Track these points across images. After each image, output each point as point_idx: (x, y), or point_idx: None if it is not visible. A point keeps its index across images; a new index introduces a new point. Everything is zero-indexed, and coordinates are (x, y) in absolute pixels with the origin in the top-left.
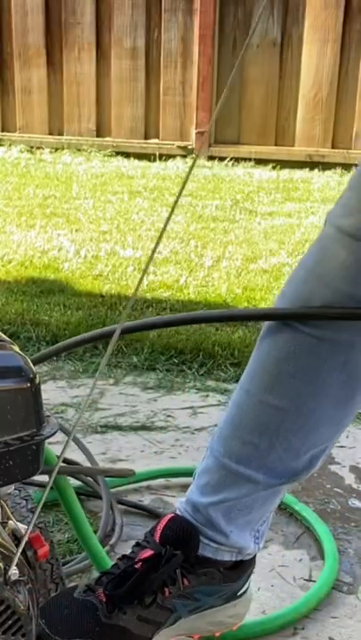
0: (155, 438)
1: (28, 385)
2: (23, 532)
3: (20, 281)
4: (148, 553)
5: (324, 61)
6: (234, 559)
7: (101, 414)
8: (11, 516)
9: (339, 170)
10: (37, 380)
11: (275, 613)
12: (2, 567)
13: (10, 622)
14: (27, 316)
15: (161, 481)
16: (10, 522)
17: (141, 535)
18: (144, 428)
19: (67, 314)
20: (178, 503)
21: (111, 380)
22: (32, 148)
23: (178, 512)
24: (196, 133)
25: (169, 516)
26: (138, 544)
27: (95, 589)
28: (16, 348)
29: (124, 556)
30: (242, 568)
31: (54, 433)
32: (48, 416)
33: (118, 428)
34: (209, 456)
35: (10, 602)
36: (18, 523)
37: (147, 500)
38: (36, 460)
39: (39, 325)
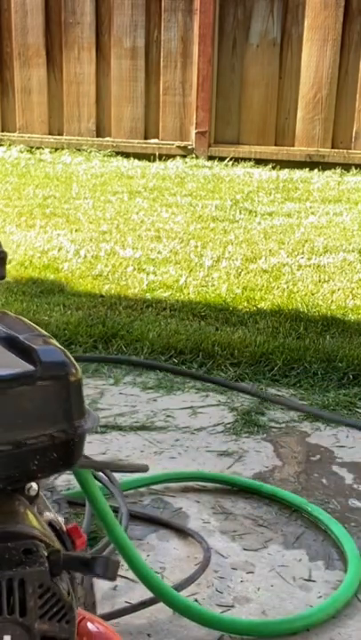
0: (155, 438)
1: (72, 378)
2: (60, 523)
3: (20, 281)
4: None
5: (323, 61)
6: None
7: (101, 414)
8: (49, 506)
9: (339, 170)
10: (79, 374)
11: (300, 614)
12: (48, 556)
13: (56, 609)
14: (26, 316)
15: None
16: (47, 513)
17: (141, 535)
18: (144, 427)
19: (67, 314)
20: None
21: (111, 380)
22: (32, 148)
23: None
24: (196, 133)
25: None
26: None
27: None
28: (55, 342)
29: None
30: None
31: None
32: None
33: (118, 427)
34: None
35: (56, 590)
36: (56, 514)
37: (147, 500)
38: (78, 453)
39: (39, 325)
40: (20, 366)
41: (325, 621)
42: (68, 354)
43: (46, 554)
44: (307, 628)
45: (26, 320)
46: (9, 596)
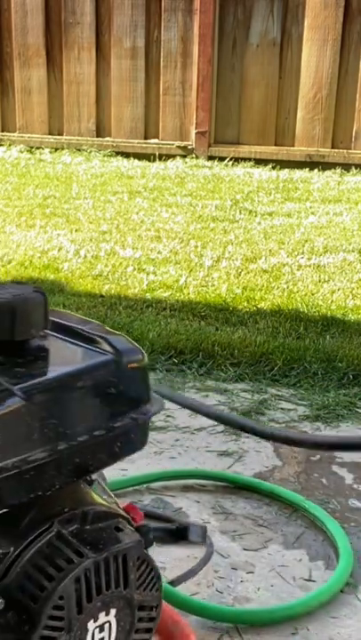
0: (155, 438)
1: (144, 362)
2: (117, 502)
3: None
4: None
5: (324, 61)
6: None
7: None
8: (105, 488)
9: (339, 170)
10: (146, 358)
11: (282, 605)
12: (138, 530)
13: (149, 579)
14: None
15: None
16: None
17: None
18: None
19: None
20: None
21: None
22: (32, 148)
23: None
24: (196, 133)
25: None
26: None
27: None
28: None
29: None
30: None
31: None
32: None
33: None
34: None
35: (149, 561)
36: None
37: (147, 500)
38: (147, 434)
39: None
40: (99, 355)
41: (309, 614)
42: (131, 340)
43: (132, 529)
44: (289, 618)
45: (73, 313)
46: (114, 570)
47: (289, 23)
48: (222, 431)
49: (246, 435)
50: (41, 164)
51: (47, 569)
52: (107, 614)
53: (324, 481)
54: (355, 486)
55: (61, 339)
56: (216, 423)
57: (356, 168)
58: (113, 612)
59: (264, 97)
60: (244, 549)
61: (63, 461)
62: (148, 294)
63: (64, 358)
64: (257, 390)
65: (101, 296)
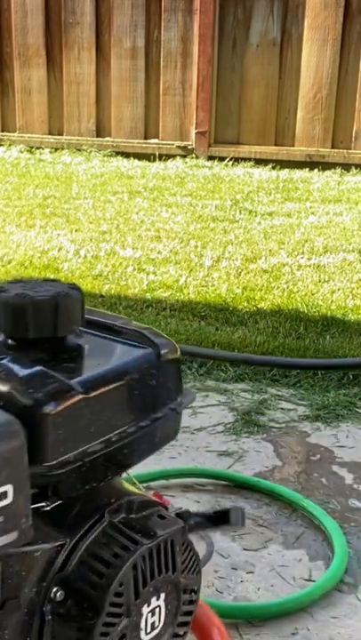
0: None
1: (179, 354)
2: (143, 490)
3: None
4: None
5: (324, 61)
6: None
7: None
8: (135, 480)
9: (339, 170)
10: (180, 351)
11: (275, 601)
12: (179, 516)
13: (191, 563)
14: None
15: (161, 481)
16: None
17: None
18: None
19: None
20: None
21: None
22: (32, 147)
23: None
24: (196, 133)
25: None
26: None
27: None
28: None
29: None
30: None
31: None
32: None
33: None
34: None
35: (192, 545)
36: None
37: None
38: (180, 424)
39: None
40: (139, 349)
41: (304, 610)
42: (162, 333)
43: (174, 515)
44: (282, 613)
45: (99, 309)
46: (164, 556)
47: (289, 23)
48: (222, 431)
49: (246, 435)
50: (41, 164)
51: (105, 557)
52: (157, 599)
53: (324, 481)
54: (355, 486)
55: (96, 334)
56: (216, 423)
57: (356, 168)
58: (162, 596)
59: (264, 97)
60: (244, 549)
61: (115, 453)
62: (148, 294)
63: (107, 353)
64: (257, 390)
65: (101, 296)
